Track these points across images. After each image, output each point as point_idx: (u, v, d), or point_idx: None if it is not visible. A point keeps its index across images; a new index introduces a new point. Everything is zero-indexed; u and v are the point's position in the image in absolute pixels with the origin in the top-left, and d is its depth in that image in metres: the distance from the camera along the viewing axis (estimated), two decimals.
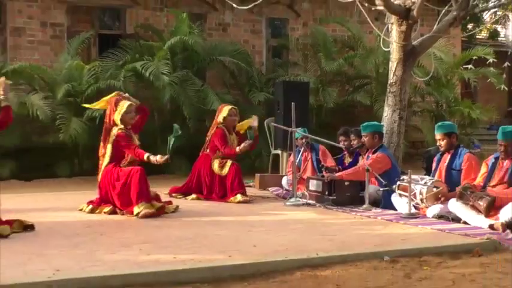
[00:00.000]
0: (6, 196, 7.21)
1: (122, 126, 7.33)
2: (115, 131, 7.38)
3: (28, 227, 6.11)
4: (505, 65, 14.15)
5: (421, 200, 7.12)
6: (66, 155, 11.03)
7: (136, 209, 6.95)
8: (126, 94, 7.82)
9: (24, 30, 12.27)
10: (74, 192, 8.90)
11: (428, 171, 7.93)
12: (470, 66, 14.25)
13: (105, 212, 7.18)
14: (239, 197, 8.20)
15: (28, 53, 11.98)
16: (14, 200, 7.79)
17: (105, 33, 13.08)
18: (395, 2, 9.32)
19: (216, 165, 8.51)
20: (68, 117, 11.00)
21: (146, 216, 6.85)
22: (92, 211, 7.28)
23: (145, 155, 7.05)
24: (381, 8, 9.38)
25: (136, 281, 4.40)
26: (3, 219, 6.05)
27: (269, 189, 9.54)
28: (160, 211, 7.14)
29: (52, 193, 9.31)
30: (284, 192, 9.03)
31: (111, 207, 7.21)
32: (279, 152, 10.21)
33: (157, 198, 7.51)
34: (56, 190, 9.74)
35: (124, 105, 7.28)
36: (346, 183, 7.96)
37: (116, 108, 7.37)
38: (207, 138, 8.86)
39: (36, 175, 10.95)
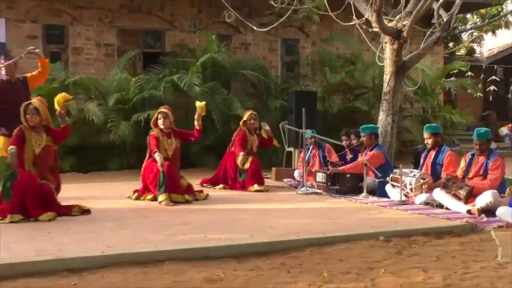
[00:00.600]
0: (67, 186, 7.48)
1: (155, 130, 7.59)
2: (149, 133, 7.65)
3: (85, 211, 6.29)
4: (481, 77, 14.21)
5: (410, 189, 7.21)
6: (116, 152, 11.12)
7: (160, 198, 7.06)
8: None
9: (83, 50, 12.41)
10: (123, 182, 8.98)
11: (416, 166, 8.00)
12: (453, 78, 14.31)
13: (148, 199, 7.30)
14: (256, 186, 8.34)
15: (85, 68, 12.13)
16: (73, 190, 7.96)
17: (148, 52, 13.13)
18: (389, 25, 9.35)
19: (239, 159, 8.55)
20: (118, 120, 11.11)
21: (166, 205, 6.95)
22: (137, 198, 7.44)
23: (155, 155, 7.22)
24: (376, 29, 9.43)
25: (174, 256, 4.50)
26: (65, 204, 6.27)
27: (283, 180, 9.62)
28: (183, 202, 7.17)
29: (105, 183, 9.46)
30: (296, 182, 9.12)
31: (152, 195, 7.31)
32: (291, 149, 10.28)
33: (190, 187, 7.62)
34: (108, 181, 9.82)
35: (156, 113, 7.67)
36: (348, 175, 8.06)
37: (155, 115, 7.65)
38: (232, 138, 8.98)
39: (92, 169, 11.07)
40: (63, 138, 6.74)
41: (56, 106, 6.41)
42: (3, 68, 7.16)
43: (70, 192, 7.32)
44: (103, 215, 6.18)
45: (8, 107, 7.02)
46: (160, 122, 7.65)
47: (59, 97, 6.50)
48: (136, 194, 7.50)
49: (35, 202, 5.93)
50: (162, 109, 7.81)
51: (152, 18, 12.95)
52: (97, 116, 10.73)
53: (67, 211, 6.15)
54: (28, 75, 7.39)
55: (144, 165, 7.64)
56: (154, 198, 7.19)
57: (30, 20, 12.00)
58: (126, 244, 4.80)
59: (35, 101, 6.50)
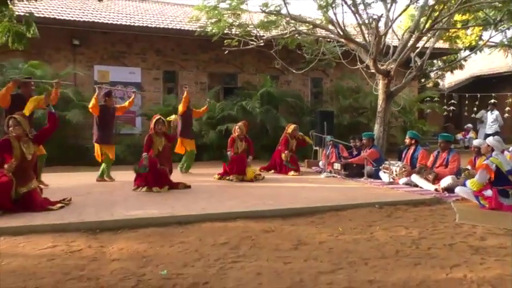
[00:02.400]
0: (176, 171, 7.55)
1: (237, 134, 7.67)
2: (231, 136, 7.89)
3: (187, 187, 6.37)
4: (444, 101, 13.92)
5: (396, 174, 7.08)
6: (207, 149, 11.08)
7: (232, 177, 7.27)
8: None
9: (186, 86, 12.66)
10: (211, 168, 8.95)
11: (399, 159, 7.82)
12: (426, 102, 14.16)
13: (227, 179, 7.37)
14: (292, 172, 8.35)
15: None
16: (180, 174, 8.13)
17: (227, 87, 13.22)
18: (381, 68, 9.20)
19: (283, 155, 8.57)
20: (208, 130, 11.18)
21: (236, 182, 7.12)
22: (219, 179, 7.51)
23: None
24: (373, 71, 9.30)
25: (242, 215, 4.57)
26: (175, 181, 6.33)
27: (312, 168, 9.55)
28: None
29: (199, 169, 9.45)
30: (320, 169, 9.02)
31: (231, 176, 7.38)
32: (317, 148, 10.16)
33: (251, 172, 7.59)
34: (202, 167, 9.78)
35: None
36: (354, 165, 8.02)
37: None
38: (279, 141, 9.02)
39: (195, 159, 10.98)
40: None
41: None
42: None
43: (179, 176, 7.50)
44: (198, 189, 6.28)
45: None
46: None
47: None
48: (219, 175, 7.60)
49: (156, 179, 6.08)
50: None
51: (229, 65, 13.07)
52: (195, 127, 10.76)
53: (176, 186, 6.28)
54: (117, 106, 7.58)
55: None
56: (231, 179, 7.28)
57: (155, 68, 12.32)
58: (213, 207, 4.87)
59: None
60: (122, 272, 2.91)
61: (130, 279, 2.79)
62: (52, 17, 10.76)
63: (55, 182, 6.48)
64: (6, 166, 4.50)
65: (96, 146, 7.11)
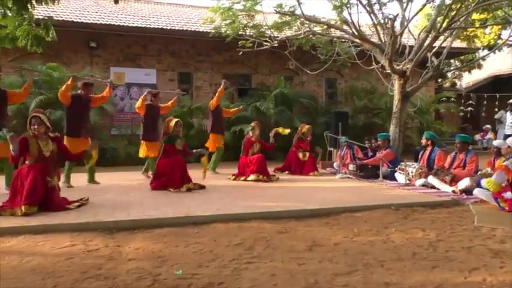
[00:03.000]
0: (193, 171, 7.57)
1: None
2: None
3: (202, 187, 6.34)
4: (461, 101, 13.66)
5: (412, 176, 6.97)
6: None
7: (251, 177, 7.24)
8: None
9: (201, 87, 12.75)
10: (225, 169, 8.73)
11: (416, 160, 7.72)
12: (443, 103, 13.94)
13: (241, 180, 7.38)
14: (311, 174, 8.26)
15: (203, 99, 12.25)
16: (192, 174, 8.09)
17: (241, 88, 13.27)
18: (397, 68, 9.10)
19: (300, 155, 8.53)
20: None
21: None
22: (234, 179, 7.52)
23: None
24: (388, 71, 9.20)
25: (257, 216, 4.55)
26: (195, 182, 6.33)
27: (327, 168, 9.48)
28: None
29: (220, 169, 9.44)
30: (335, 170, 8.95)
31: (245, 177, 7.39)
32: (332, 149, 10.10)
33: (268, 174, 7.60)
34: (216, 168, 9.82)
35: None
36: (369, 166, 7.91)
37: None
38: (293, 142, 9.02)
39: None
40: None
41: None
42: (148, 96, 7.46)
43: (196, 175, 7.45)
44: (213, 190, 6.27)
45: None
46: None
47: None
48: (233, 176, 7.62)
49: (172, 180, 6.10)
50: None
51: (244, 66, 13.10)
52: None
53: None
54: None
55: (240, 158, 7.78)
56: (246, 180, 7.27)
57: (170, 70, 12.43)
58: (227, 208, 4.87)
59: None
60: (138, 271, 2.94)
61: (146, 278, 2.81)
62: (70, 20, 10.95)
63: (73, 182, 6.57)
64: (20, 163, 4.64)
65: (143, 144, 7.46)
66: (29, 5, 4.68)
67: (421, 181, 6.72)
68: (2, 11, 5.28)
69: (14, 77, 10.04)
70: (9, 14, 5.28)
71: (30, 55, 9.64)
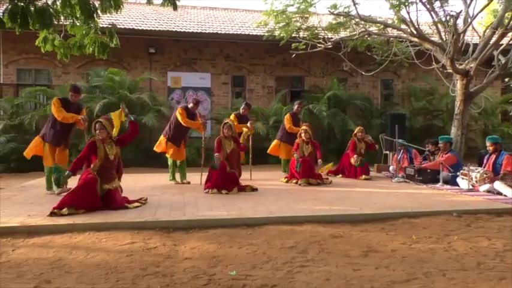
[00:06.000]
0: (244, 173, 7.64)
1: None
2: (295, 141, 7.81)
3: (254, 189, 6.43)
4: None
5: (476, 181, 6.59)
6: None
7: (300, 181, 7.17)
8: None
9: (254, 90, 12.84)
10: (278, 171, 8.92)
11: (480, 165, 7.31)
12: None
13: (293, 183, 7.35)
14: (363, 176, 8.07)
15: (256, 101, 12.39)
16: (247, 176, 8.14)
17: (294, 90, 13.19)
18: (459, 67, 8.63)
19: (352, 159, 8.35)
20: (274, 133, 10.93)
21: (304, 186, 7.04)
22: (286, 182, 7.50)
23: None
24: (450, 71, 8.75)
25: (310, 219, 4.52)
26: (242, 184, 6.42)
27: (382, 172, 9.24)
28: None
29: (266, 172, 9.52)
30: (390, 174, 8.69)
31: (297, 179, 7.35)
32: (387, 152, 9.78)
33: (320, 176, 7.50)
34: (268, 170, 9.87)
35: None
36: (428, 170, 7.56)
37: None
38: (347, 145, 8.78)
39: (259, 162, 10.82)
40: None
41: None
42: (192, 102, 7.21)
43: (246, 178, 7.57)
44: (265, 192, 6.32)
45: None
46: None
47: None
48: (286, 179, 7.61)
49: (225, 182, 6.22)
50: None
51: (296, 69, 13.04)
52: (262, 129, 10.87)
53: (243, 188, 6.37)
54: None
55: (290, 160, 7.76)
56: (296, 182, 7.25)
57: (224, 73, 12.66)
58: (280, 210, 4.87)
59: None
60: (194, 270, 3.02)
61: (201, 277, 2.88)
62: (131, 27, 11.52)
63: (132, 183, 6.90)
64: (91, 166, 4.92)
65: (170, 145, 7.27)
66: (94, 15, 4.98)
67: (486, 187, 6.33)
68: (71, 20, 5.66)
69: (82, 82, 10.73)
70: (77, 24, 5.65)
71: (95, 61, 10.29)
